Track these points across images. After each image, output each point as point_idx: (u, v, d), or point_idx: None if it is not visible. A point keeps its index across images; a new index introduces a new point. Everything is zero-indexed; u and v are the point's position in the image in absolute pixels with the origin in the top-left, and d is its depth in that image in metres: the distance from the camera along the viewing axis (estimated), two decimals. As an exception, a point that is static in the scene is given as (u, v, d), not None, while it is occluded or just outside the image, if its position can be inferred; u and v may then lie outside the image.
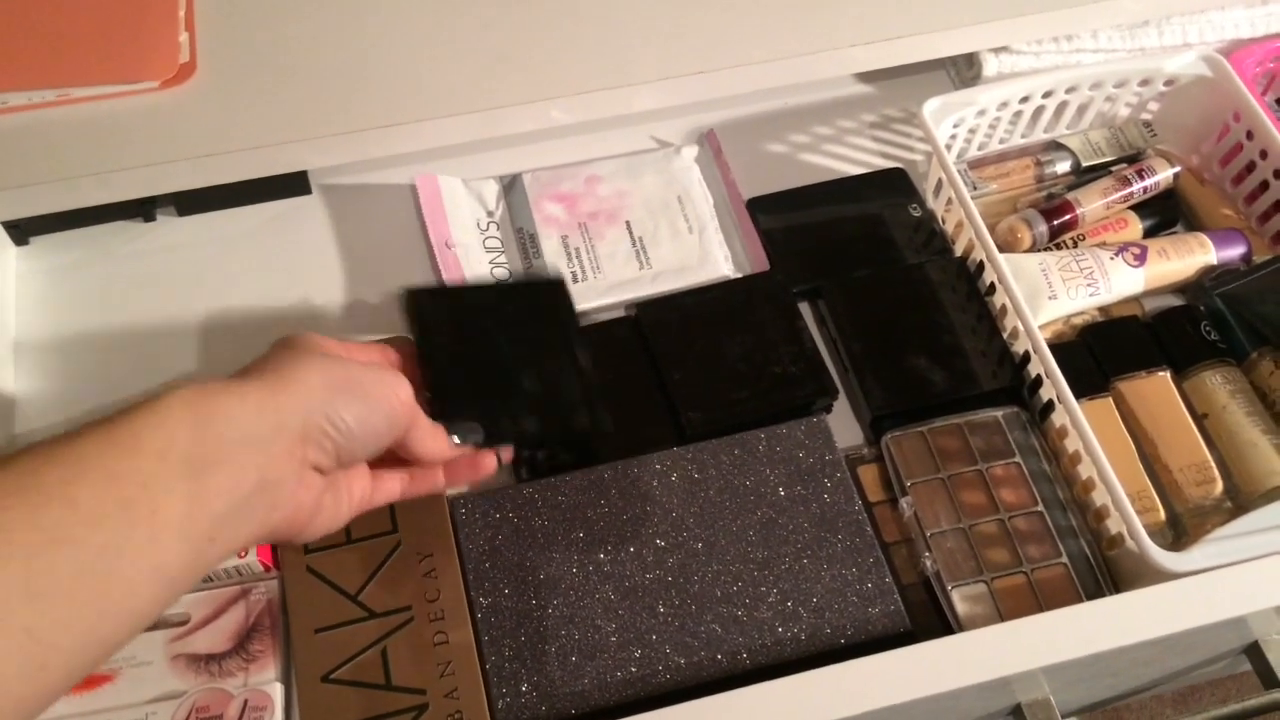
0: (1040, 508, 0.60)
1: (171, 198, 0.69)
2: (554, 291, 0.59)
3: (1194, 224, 0.72)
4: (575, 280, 0.67)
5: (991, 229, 0.67)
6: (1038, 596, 0.57)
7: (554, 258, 0.68)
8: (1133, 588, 0.55)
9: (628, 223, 0.70)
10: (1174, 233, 0.71)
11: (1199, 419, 0.62)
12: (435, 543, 0.57)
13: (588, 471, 0.59)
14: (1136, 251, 0.67)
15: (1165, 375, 0.63)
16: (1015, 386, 0.63)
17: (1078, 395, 0.57)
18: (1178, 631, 0.51)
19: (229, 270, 0.69)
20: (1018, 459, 0.61)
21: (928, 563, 0.58)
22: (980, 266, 0.66)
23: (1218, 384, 0.63)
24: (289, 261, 0.69)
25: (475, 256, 0.68)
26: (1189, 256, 0.67)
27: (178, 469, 0.36)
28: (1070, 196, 0.70)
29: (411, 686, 0.53)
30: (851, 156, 0.76)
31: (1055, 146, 0.75)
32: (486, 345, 0.56)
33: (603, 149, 0.74)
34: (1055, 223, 0.69)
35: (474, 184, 0.72)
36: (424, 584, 0.55)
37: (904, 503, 0.59)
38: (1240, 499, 0.60)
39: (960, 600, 0.56)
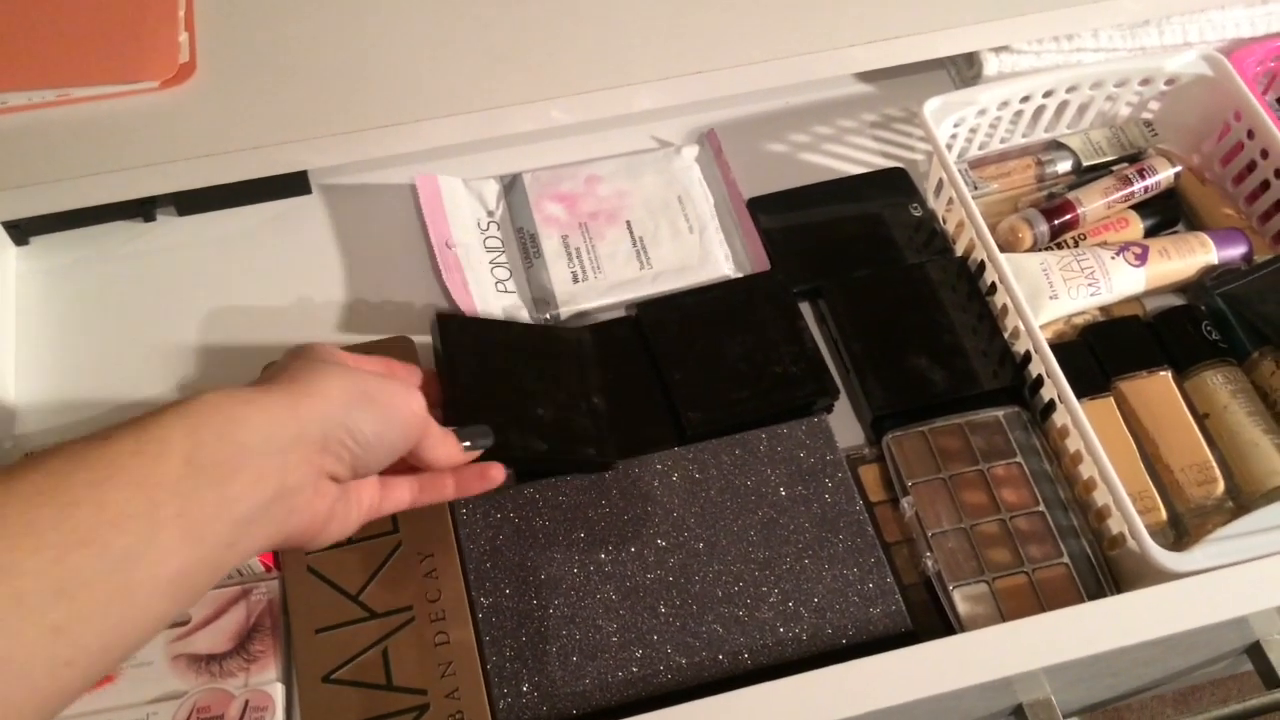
0: (1041, 508, 0.59)
1: (171, 198, 0.69)
2: (576, 336, 0.64)
3: (1195, 223, 0.72)
4: (575, 280, 0.67)
5: (992, 229, 0.67)
6: (1039, 596, 0.57)
7: (554, 258, 0.68)
8: (1134, 588, 0.55)
9: (628, 222, 0.70)
10: (1175, 232, 0.71)
11: (1200, 419, 0.62)
12: (436, 543, 0.57)
13: (588, 471, 0.59)
14: (1138, 251, 0.67)
15: (1166, 375, 0.63)
16: (1016, 386, 0.63)
17: (1079, 395, 0.57)
18: (1179, 632, 0.51)
19: (229, 270, 0.69)
20: (1019, 459, 0.61)
21: (929, 563, 0.57)
22: (981, 266, 0.66)
23: (1219, 384, 0.63)
24: (289, 261, 0.69)
25: (476, 256, 0.68)
26: (1190, 256, 0.67)
27: (203, 475, 0.37)
28: (1071, 196, 0.70)
29: (412, 687, 0.53)
30: (852, 156, 0.76)
31: (1056, 146, 0.74)
32: (507, 373, 0.60)
33: (603, 149, 0.74)
34: (1056, 222, 0.69)
35: (474, 184, 0.72)
36: (425, 584, 0.55)
37: (905, 503, 0.59)
38: (1242, 499, 0.60)
39: (962, 600, 0.56)
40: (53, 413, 0.63)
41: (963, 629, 0.55)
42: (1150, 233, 0.71)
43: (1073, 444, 0.59)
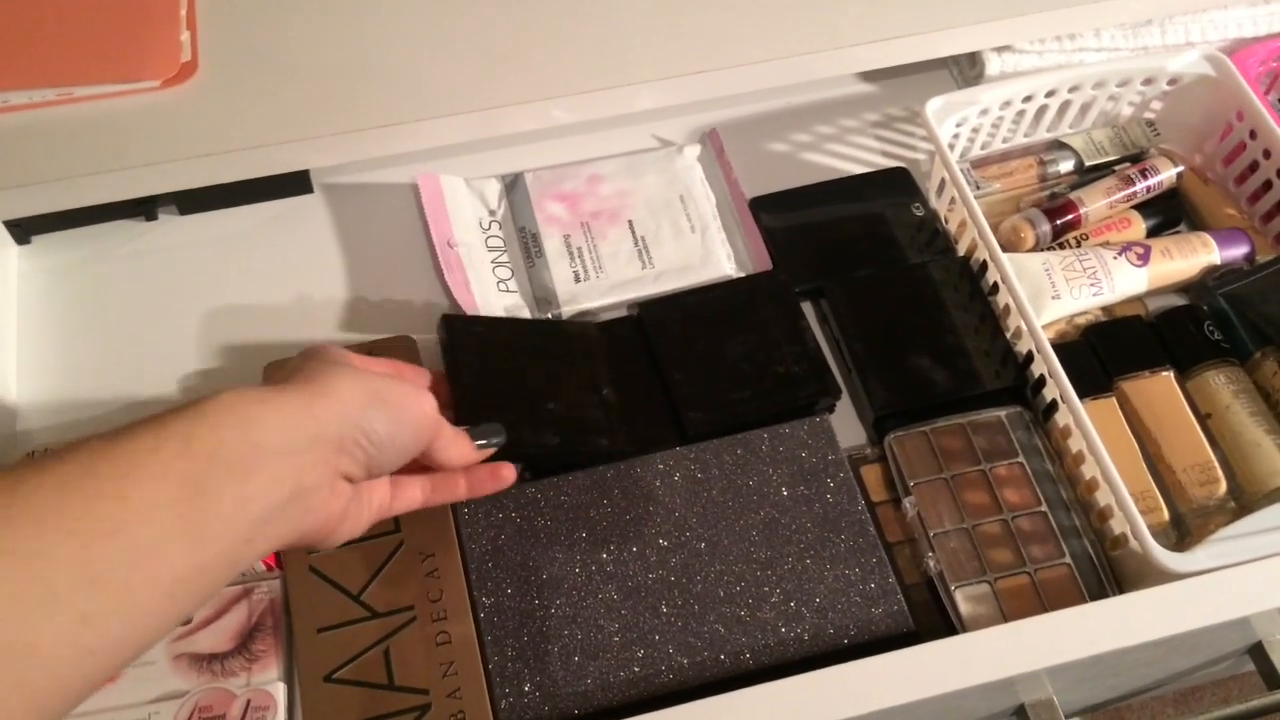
0: (1043, 508, 0.59)
1: (173, 197, 0.69)
2: (583, 330, 0.64)
3: (1197, 223, 0.72)
4: (577, 280, 0.67)
5: (994, 228, 0.67)
6: (1041, 597, 0.57)
7: (556, 257, 0.68)
8: (1136, 588, 0.55)
9: (630, 222, 0.70)
10: (1177, 232, 0.71)
11: (1202, 419, 0.62)
12: (438, 542, 0.57)
13: (590, 471, 0.59)
14: (1140, 251, 0.67)
15: (1169, 375, 0.63)
16: (1018, 386, 0.63)
17: (1081, 395, 0.57)
18: (1181, 632, 0.51)
19: (230, 269, 0.69)
20: (1021, 459, 0.61)
21: (931, 563, 0.57)
22: (983, 266, 0.66)
23: (1221, 384, 0.63)
24: (290, 261, 0.69)
25: (477, 256, 0.68)
26: (1192, 256, 0.67)
27: (224, 472, 0.38)
28: (1073, 196, 0.70)
29: (414, 686, 0.53)
30: (854, 156, 0.76)
31: (1058, 146, 0.74)
32: (515, 369, 0.60)
33: (605, 148, 0.74)
34: (1058, 222, 0.68)
35: (476, 183, 0.72)
36: (426, 584, 0.55)
37: (907, 503, 0.59)
38: (1244, 499, 0.60)
39: (963, 601, 0.56)
40: (54, 411, 0.63)
41: (965, 629, 0.55)
42: (1152, 233, 0.71)
43: (1075, 444, 0.59)
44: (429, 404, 0.47)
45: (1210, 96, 0.71)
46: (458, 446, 0.50)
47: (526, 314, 0.66)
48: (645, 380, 0.63)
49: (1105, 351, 0.64)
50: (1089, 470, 0.59)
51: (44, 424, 0.62)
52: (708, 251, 0.69)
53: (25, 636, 0.32)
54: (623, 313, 0.67)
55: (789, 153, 0.76)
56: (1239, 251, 0.68)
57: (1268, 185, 0.69)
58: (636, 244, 0.69)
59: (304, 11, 0.68)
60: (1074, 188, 0.72)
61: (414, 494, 0.51)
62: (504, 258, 0.69)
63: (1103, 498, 0.58)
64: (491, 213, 0.71)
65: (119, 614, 0.34)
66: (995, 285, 0.65)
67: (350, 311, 0.67)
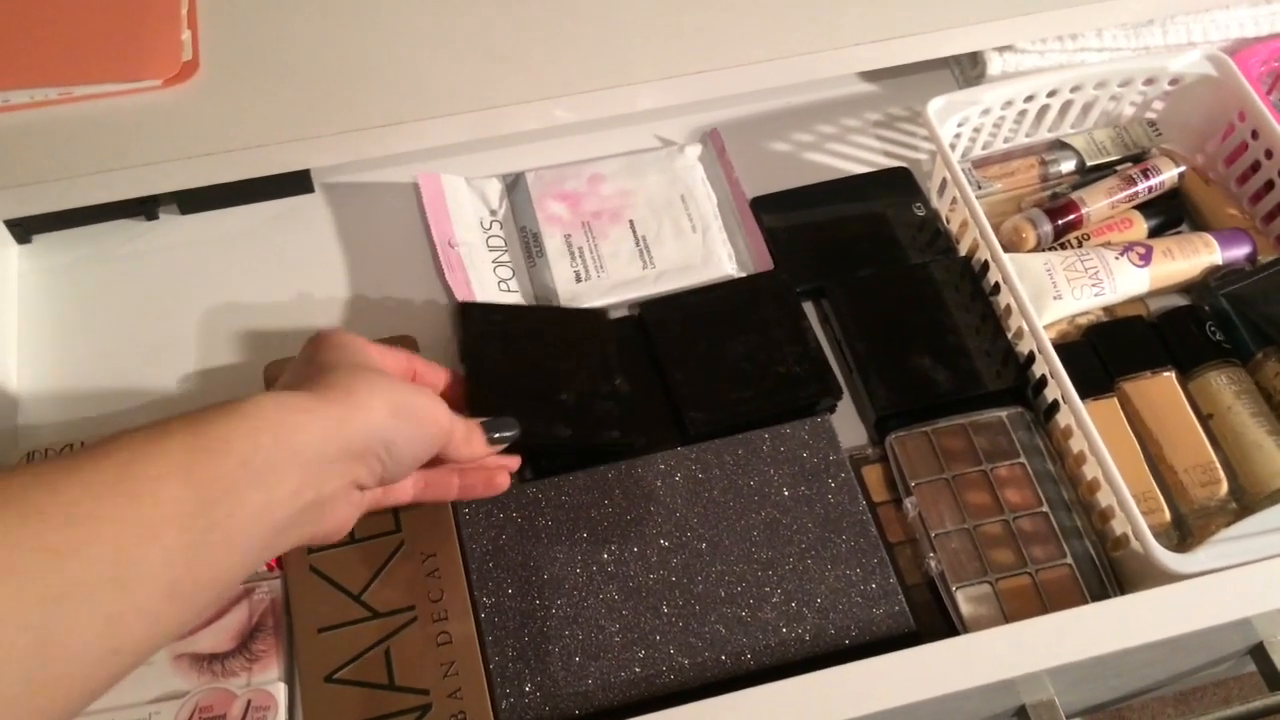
0: (1045, 508, 0.59)
1: (173, 196, 0.69)
2: (597, 320, 0.64)
3: (1199, 223, 0.72)
4: (578, 279, 0.67)
5: (996, 228, 0.67)
6: (1042, 597, 0.57)
7: (557, 257, 0.68)
8: (1138, 589, 0.54)
9: (631, 222, 0.70)
10: (1179, 232, 0.71)
11: (1204, 419, 0.62)
12: (438, 542, 0.57)
13: (591, 471, 0.59)
14: (1141, 251, 0.67)
15: (1170, 375, 0.63)
16: (1020, 387, 0.63)
17: (1082, 395, 0.57)
18: (1183, 633, 0.51)
19: (231, 269, 0.69)
20: (1022, 459, 0.61)
21: (932, 563, 0.57)
22: (985, 266, 0.66)
23: (1223, 384, 0.63)
24: (291, 260, 0.69)
25: (478, 255, 0.68)
26: (1194, 256, 0.67)
27: (254, 477, 0.38)
28: (1075, 196, 0.70)
29: (415, 687, 0.53)
30: (855, 155, 0.76)
31: (1060, 146, 0.74)
32: (530, 359, 0.61)
33: (606, 148, 0.74)
34: (1060, 222, 0.68)
35: (477, 183, 0.72)
36: (427, 584, 0.55)
37: (908, 503, 0.59)
38: (1245, 500, 0.60)
39: (965, 601, 0.56)
40: (55, 411, 0.63)
41: (966, 630, 0.55)
42: (1154, 233, 0.71)
43: (1076, 444, 0.59)
44: (444, 414, 0.48)
45: (1212, 96, 0.71)
46: (469, 445, 0.50)
47: (527, 314, 0.66)
48: (646, 380, 0.63)
49: (1107, 352, 0.64)
50: (1090, 471, 0.59)
51: (44, 423, 0.62)
52: (709, 251, 0.69)
53: (55, 635, 0.32)
54: (624, 313, 0.67)
55: (790, 152, 0.76)
56: (1241, 252, 0.68)
57: (1269, 185, 0.69)
58: (637, 244, 0.69)
59: (305, 11, 0.68)
60: (1075, 188, 0.72)
61: (404, 490, 0.51)
62: (505, 257, 0.69)
63: (1104, 498, 0.58)
64: (492, 212, 0.71)
65: (143, 615, 0.35)
66: (997, 285, 0.65)
67: (351, 311, 0.67)
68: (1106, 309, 0.68)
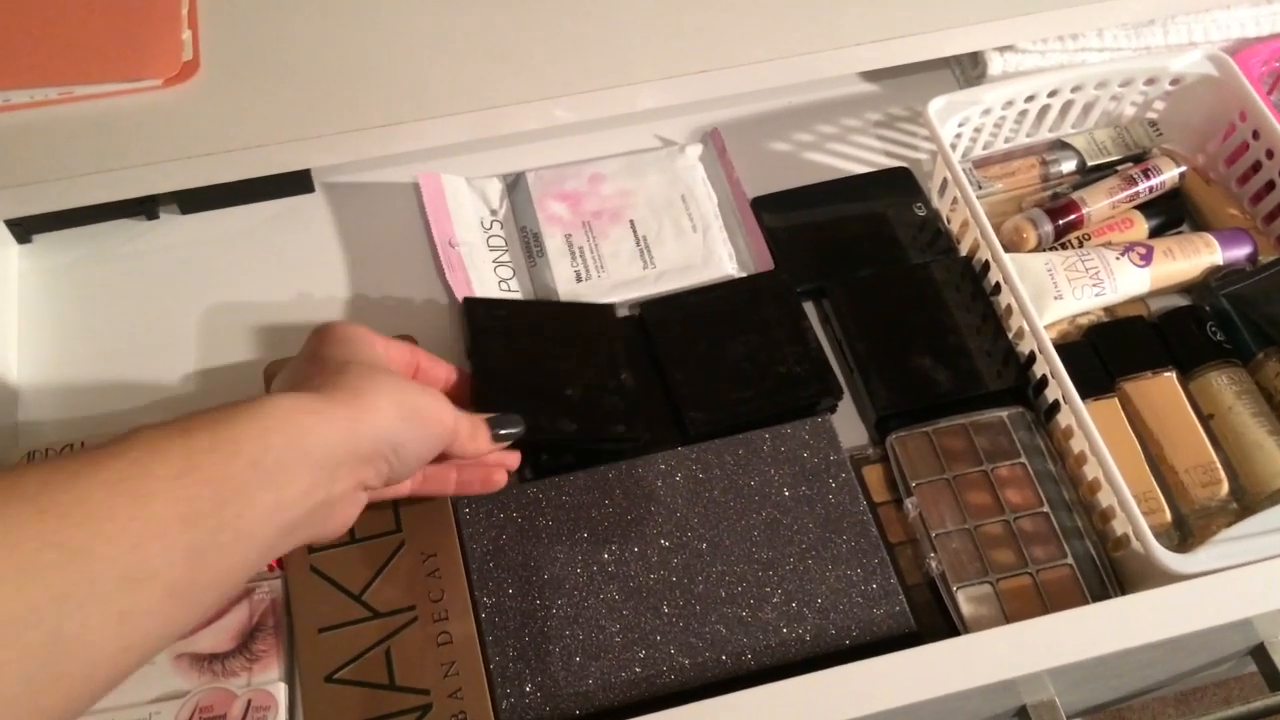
0: (1045, 508, 0.59)
1: (174, 196, 0.69)
2: (603, 315, 0.64)
3: (1200, 224, 0.72)
4: (579, 279, 0.67)
5: (997, 228, 0.67)
6: (1043, 598, 0.57)
7: (557, 256, 0.68)
8: (1138, 589, 0.54)
9: (631, 221, 0.70)
10: (1180, 232, 0.71)
11: (1205, 420, 0.62)
12: (439, 542, 0.57)
13: (591, 471, 0.59)
14: (1142, 251, 0.67)
15: (1171, 376, 0.63)
16: (1020, 387, 0.63)
17: (1083, 395, 0.57)
18: (1183, 634, 0.51)
19: (231, 268, 0.69)
20: (1023, 459, 0.61)
21: (933, 563, 0.57)
22: (985, 266, 0.66)
23: (1224, 385, 0.62)
24: (291, 260, 0.69)
25: (479, 255, 0.68)
26: (1195, 256, 0.67)
27: (265, 478, 0.38)
28: (1076, 196, 0.70)
29: (415, 687, 0.53)
30: (856, 155, 0.76)
31: (1060, 146, 0.74)
32: (536, 353, 0.61)
33: (606, 148, 0.74)
34: (1061, 222, 0.68)
35: (477, 182, 0.72)
36: (428, 584, 0.55)
37: (909, 503, 0.59)
38: (1246, 500, 0.60)
39: (965, 601, 0.56)
40: (56, 410, 0.63)
41: (967, 630, 0.55)
42: (1155, 233, 0.71)
43: (1077, 445, 0.59)
44: (449, 413, 0.48)
45: (1213, 96, 0.71)
46: (474, 442, 0.51)
47: (528, 313, 0.66)
48: (647, 380, 0.63)
49: (1107, 352, 0.64)
50: (1091, 471, 0.59)
51: (45, 422, 0.62)
52: (709, 251, 0.69)
53: (66, 632, 0.32)
54: (624, 312, 0.67)
55: (791, 152, 0.76)
56: (1242, 252, 0.68)
57: (1270, 186, 0.69)
58: (638, 243, 0.69)
59: (305, 11, 0.68)
60: (1076, 188, 0.72)
61: (401, 485, 0.52)
62: (505, 257, 0.69)
63: (1105, 498, 0.58)
64: (493, 212, 0.71)
65: (151, 614, 0.35)
66: (997, 285, 0.65)
67: (351, 310, 0.67)
68: (1107, 309, 0.68)
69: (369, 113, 0.64)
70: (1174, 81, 0.72)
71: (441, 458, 0.50)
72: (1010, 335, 0.64)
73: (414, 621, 0.54)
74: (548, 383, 0.60)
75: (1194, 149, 0.74)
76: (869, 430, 0.64)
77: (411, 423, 0.45)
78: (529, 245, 0.69)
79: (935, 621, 0.57)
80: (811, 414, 0.62)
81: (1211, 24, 0.74)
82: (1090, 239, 0.70)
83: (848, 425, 0.63)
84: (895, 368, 0.64)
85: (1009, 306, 0.64)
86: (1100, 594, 0.57)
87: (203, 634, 0.54)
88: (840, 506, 0.59)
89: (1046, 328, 0.63)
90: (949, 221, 0.71)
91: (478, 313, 0.62)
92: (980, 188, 0.72)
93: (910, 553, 0.59)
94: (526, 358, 0.61)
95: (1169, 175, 0.71)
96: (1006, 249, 0.64)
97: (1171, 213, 0.72)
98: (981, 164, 0.73)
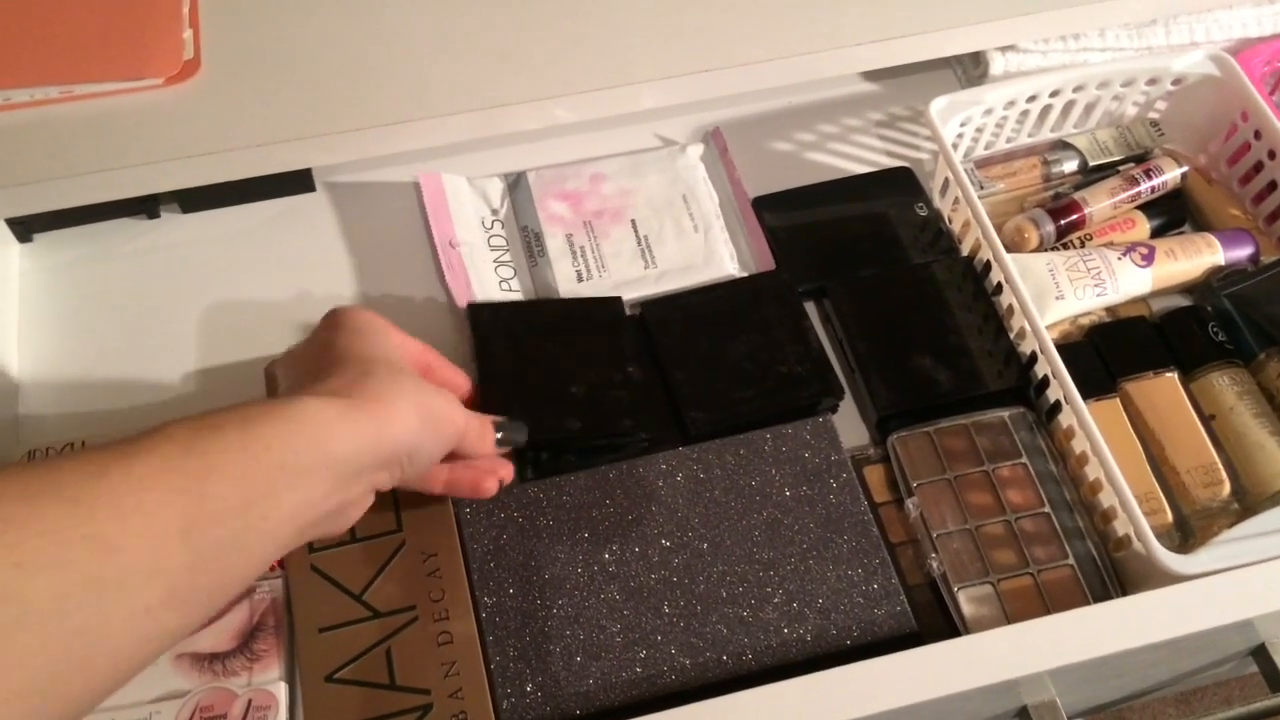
0: (1047, 509, 0.59)
1: (175, 195, 0.69)
2: (611, 308, 0.64)
3: (1201, 224, 0.72)
4: (580, 279, 0.67)
5: (998, 228, 0.67)
6: (1044, 598, 0.57)
7: (558, 256, 0.68)
8: (1140, 590, 0.54)
9: (632, 221, 0.70)
10: (1181, 233, 0.71)
11: (1206, 420, 0.62)
12: (440, 542, 0.56)
13: (592, 471, 0.59)
14: (1144, 251, 0.67)
15: (1173, 376, 0.63)
16: (1022, 387, 0.63)
17: (1085, 396, 0.57)
18: (1185, 634, 0.51)
19: (232, 268, 0.68)
20: (1024, 460, 0.61)
21: (934, 564, 0.57)
22: (987, 266, 0.66)
23: (1225, 385, 0.62)
24: (292, 259, 0.69)
25: (480, 255, 0.68)
26: (1197, 257, 0.67)
27: (291, 481, 0.39)
28: (1077, 196, 0.70)
29: (416, 686, 0.53)
30: (857, 155, 0.76)
31: (1062, 146, 0.74)
32: (540, 354, 0.61)
33: (607, 147, 0.74)
34: (1062, 222, 0.68)
35: (478, 182, 0.72)
36: (428, 583, 0.55)
37: (910, 503, 0.59)
38: (1248, 501, 0.60)
39: (966, 602, 0.56)
40: (57, 409, 0.63)
41: (967, 631, 0.55)
42: (1157, 233, 0.71)
43: (1078, 445, 0.59)
44: (461, 414, 0.49)
45: (1215, 97, 0.71)
46: (481, 444, 0.51)
47: (529, 313, 0.66)
48: (649, 379, 0.63)
49: (1109, 352, 0.64)
50: (1092, 471, 0.58)
51: (46, 421, 0.62)
52: (710, 251, 0.69)
53: (94, 622, 0.33)
54: (626, 312, 0.67)
55: (792, 152, 0.76)
56: (1243, 252, 0.68)
57: (1272, 186, 0.69)
58: (639, 243, 0.69)
59: (306, 10, 0.68)
60: (1078, 188, 0.71)
61: None
62: (506, 256, 0.69)
63: (1106, 499, 0.58)
64: (494, 211, 0.71)
65: (172, 609, 0.36)
66: (999, 285, 0.65)
67: (352, 310, 0.67)
68: (1109, 309, 0.67)
69: (370, 112, 0.64)
70: (1176, 81, 0.72)
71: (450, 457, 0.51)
72: (1011, 335, 0.64)
73: (414, 621, 0.54)
74: (554, 383, 0.60)
75: (1196, 149, 0.74)
76: (870, 430, 0.64)
77: (428, 427, 0.46)
78: (530, 245, 0.69)
79: (936, 622, 0.57)
80: (813, 414, 0.62)
81: (1214, 24, 0.74)
82: (1092, 239, 0.70)
83: (849, 425, 0.63)
84: (896, 368, 0.63)
85: (1010, 306, 0.64)
86: (1101, 595, 0.57)
87: (203, 633, 0.54)
88: (841, 506, 0.59)
89: (1048, 328, 0.63)
90: (950, 221, 0.71)
91: (482, 318, 0.62)
92: (982, 188, 0.72)
93: (911, 553, 0.59)
94: (532, 359, 0.61)
95: (1171, 175, 0.71)
96: (1008, 249, 0.64)
97: (1173, 213, 0.71)
98: (983, 164, 0.73)
